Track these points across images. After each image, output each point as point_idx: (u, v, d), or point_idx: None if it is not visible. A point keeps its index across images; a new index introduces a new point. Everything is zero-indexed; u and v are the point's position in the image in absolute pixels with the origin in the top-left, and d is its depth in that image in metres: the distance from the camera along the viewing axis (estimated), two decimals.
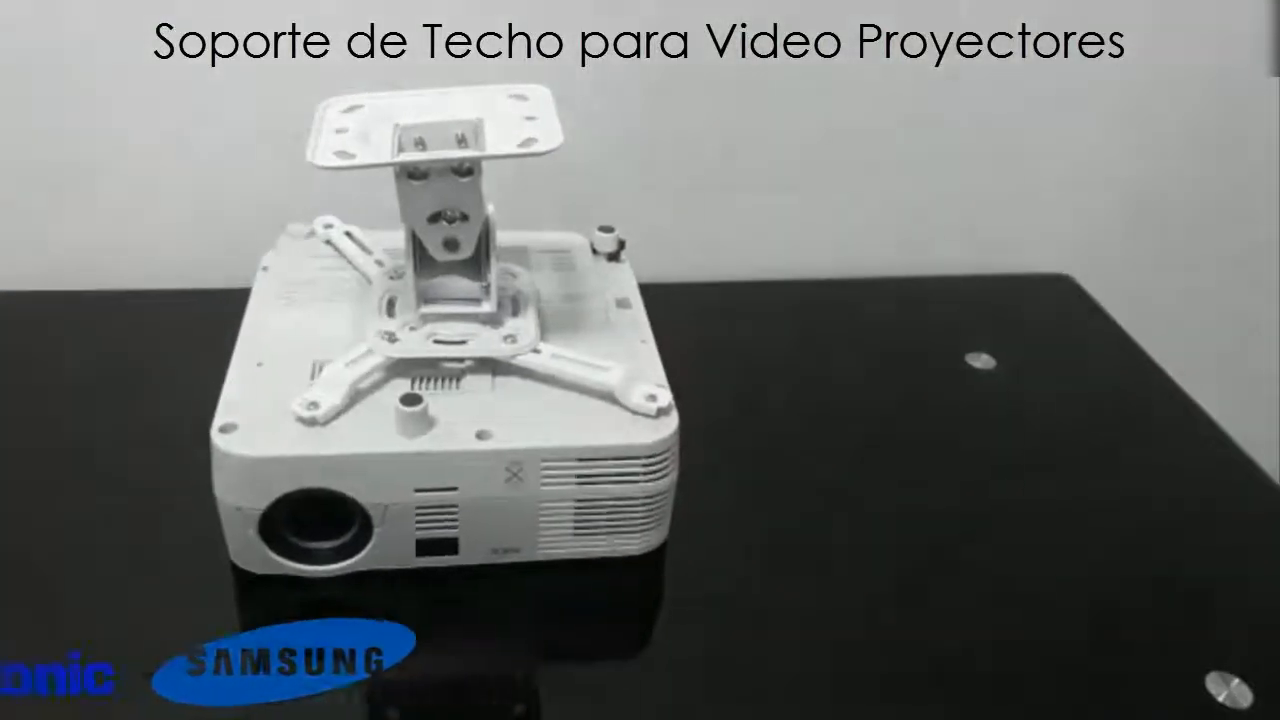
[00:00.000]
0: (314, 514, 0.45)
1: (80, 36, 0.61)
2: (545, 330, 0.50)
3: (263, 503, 0.43)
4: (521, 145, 0.44)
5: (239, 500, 0.44)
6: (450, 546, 0.46)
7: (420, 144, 0.45)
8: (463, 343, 0.48)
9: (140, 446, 0.53)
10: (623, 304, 0.54)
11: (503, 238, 0.49)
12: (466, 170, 0.45)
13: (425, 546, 0.46)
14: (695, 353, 0.53)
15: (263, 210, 0.58)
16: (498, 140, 0.44)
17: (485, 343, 0.48)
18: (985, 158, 0.74)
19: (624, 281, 0.56)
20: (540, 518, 0.46)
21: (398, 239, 0.48)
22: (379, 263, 0.54)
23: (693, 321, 0.63)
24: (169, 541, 0.48)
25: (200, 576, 0.46)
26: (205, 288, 0.63)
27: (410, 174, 0.44)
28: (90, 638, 0.43)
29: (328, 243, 0.56)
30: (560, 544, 0.47)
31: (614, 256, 0.59)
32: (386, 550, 0.45)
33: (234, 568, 0.46)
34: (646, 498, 0.46)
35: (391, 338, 0.48)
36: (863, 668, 0.46)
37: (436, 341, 0.48)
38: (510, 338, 0.49)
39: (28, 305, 0.64)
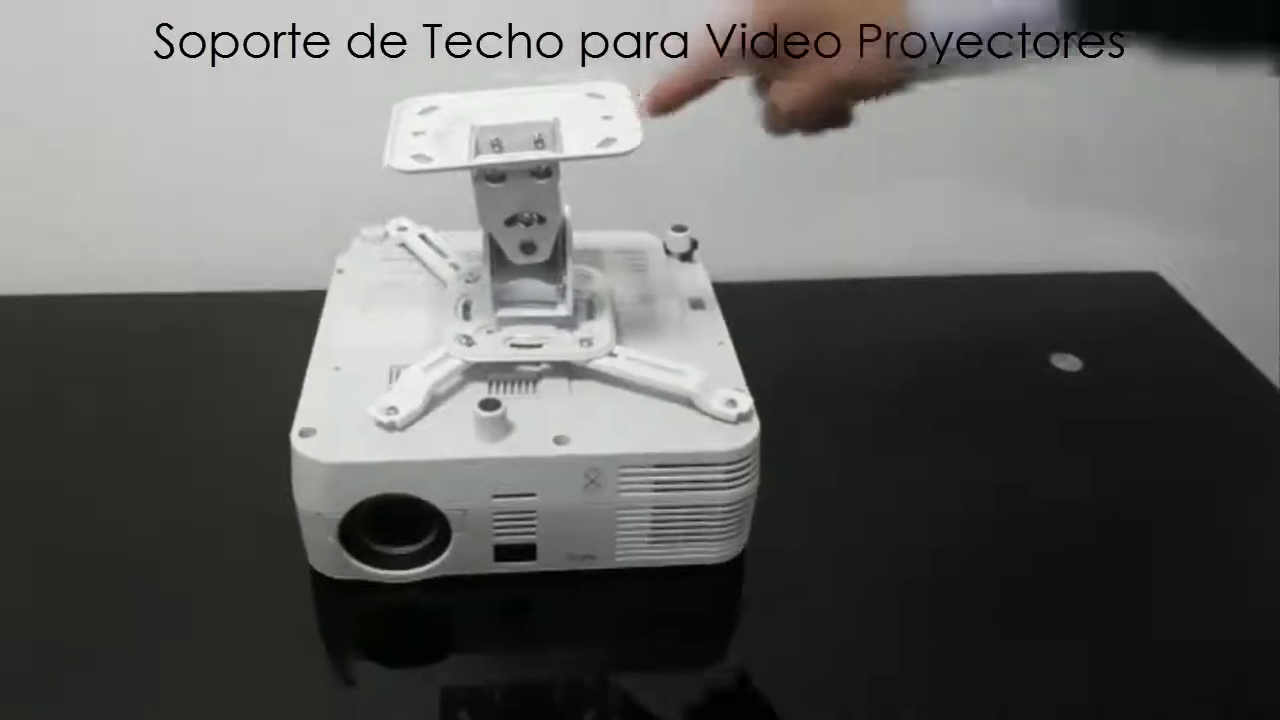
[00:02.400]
0: (392, 519, 0.44)
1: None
2: (621, 333, 0.49)
3: (342, 508, 0.43)
4: (601, 145, 0.43)
5: (318, 506, 0.44)
6: (528, 552, 0.46)
7: (497, 145, 0.44)
8: (539, 346, 0.48)
9: (218, 450, 0.53)
10: (697, 305, 0.53)
11: (575, 239, 0.48)
12: (544, 172, 0.44)
13: (503, 552, 0.45)
14: (772, 354, 0.52)
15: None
16: (576, 141, 0.44)
17: (561, 346, 0.48)
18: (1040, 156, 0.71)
19: (698, 282, 0.55)
20: (618, 525, 0.45)
21: (462, 240, 0.47)
22: (454, 265, 0.54)
23: (769, 322, 0.62)
24: (247, 546, 0.48)
25: (280, 582, 0.46)
26: (242, 290, 0.63)
27: (488, 176, 0.44)
28: (173, 645, 0.44)
29: (401, 245, 0.56)
30: (638, 551, 0.46)
31: (687, 257, 0.58)
32: (465, 555, 0.45)
33: (313, 573, 0.46)
34: (726, 506, 0.46)
35: (468, 341, 0.48)
36: (948, 674, 0.44)
37: (513, 345, 0.48)
38: (586, 341, 0.48)
39: (79, 308, 0.64)
